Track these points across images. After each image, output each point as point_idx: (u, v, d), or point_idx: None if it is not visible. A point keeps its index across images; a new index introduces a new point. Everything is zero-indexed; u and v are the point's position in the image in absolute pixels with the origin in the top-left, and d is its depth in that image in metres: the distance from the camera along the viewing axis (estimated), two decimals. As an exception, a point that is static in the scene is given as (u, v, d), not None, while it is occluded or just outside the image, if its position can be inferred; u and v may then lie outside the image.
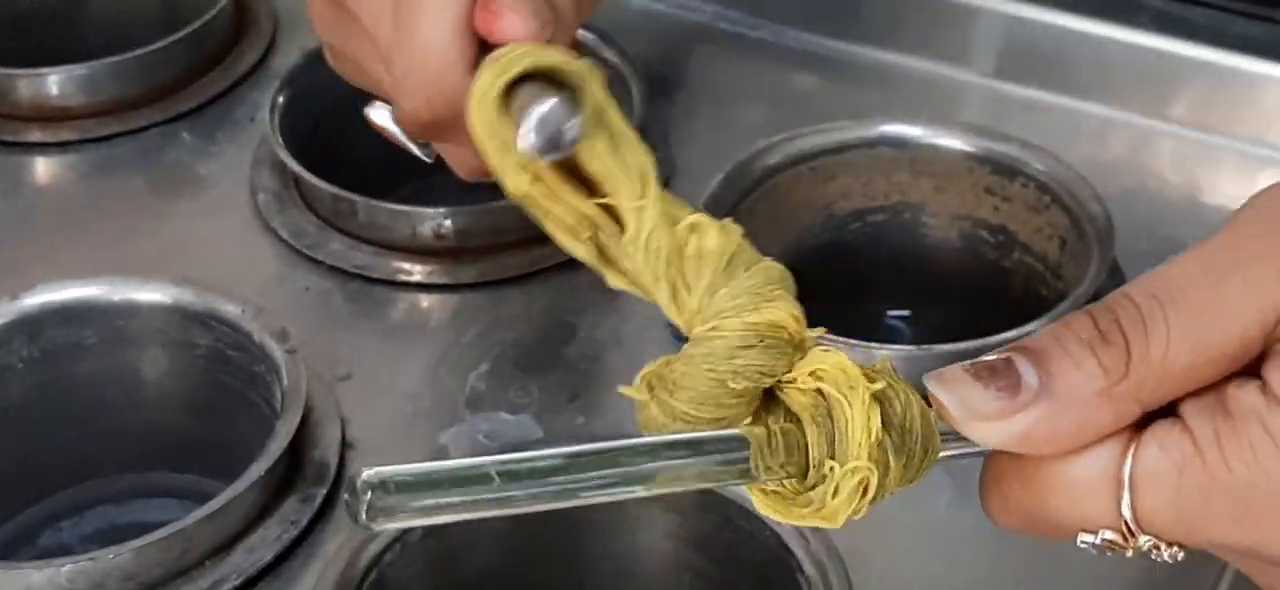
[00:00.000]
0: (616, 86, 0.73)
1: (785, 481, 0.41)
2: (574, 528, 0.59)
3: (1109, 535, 0.41)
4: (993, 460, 0.42)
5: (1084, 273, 0.65)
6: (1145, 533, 0.41)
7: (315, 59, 0.74)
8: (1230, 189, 0.73)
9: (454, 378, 0.65)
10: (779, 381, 0.41)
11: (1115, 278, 0.65)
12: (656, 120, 0.74)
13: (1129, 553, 0.41)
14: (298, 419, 0.60)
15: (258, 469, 0.58)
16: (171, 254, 0.70)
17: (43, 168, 0.76)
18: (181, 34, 0.77)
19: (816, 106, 0.75)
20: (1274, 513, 0.40)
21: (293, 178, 0.72)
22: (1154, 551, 0.41)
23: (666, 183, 0.72)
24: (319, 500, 0.60)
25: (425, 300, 0.68)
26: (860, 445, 0.40)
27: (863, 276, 0.71)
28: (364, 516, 0.36)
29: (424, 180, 0.77)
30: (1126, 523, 0.41)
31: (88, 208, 0.73)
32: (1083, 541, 0.42)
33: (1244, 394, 0.40)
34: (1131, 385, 0.40)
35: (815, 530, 0.56)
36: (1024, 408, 0.40)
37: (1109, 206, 0.66)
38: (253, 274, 0.69)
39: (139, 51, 0.76)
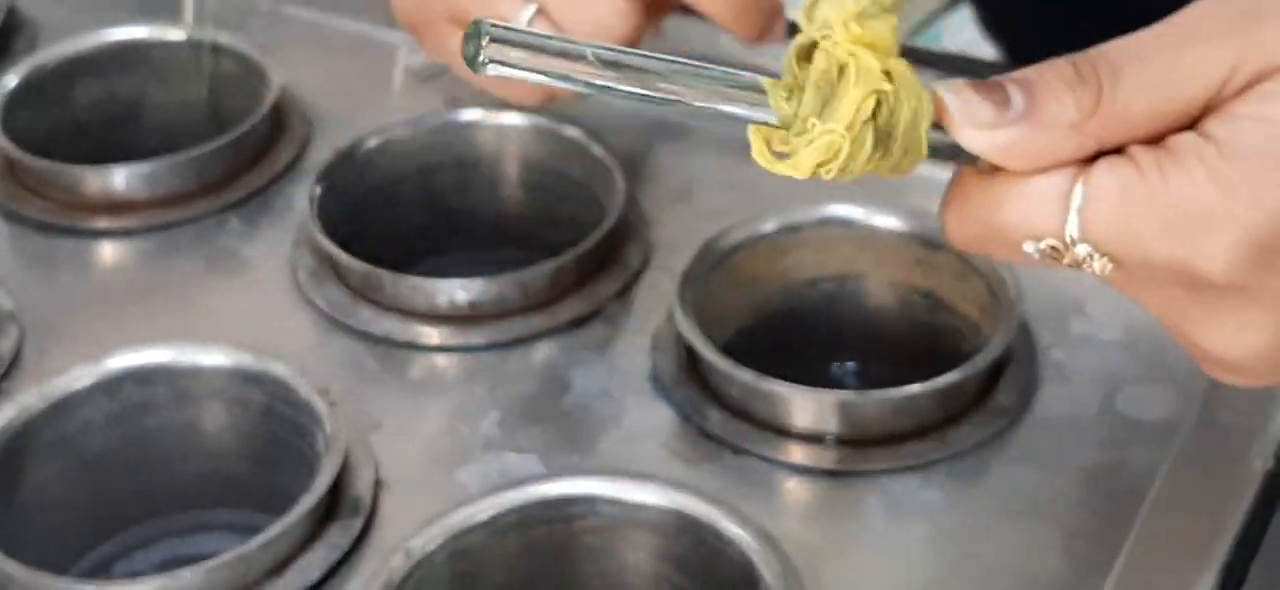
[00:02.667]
0: (604, 179, 0.85)
1: (775, 129, 0.49)
2: (572, 553, 0.71)
3: (1052, 242, 0.49)
4: (959, 179, 0.50)
5: (1001, 328, 0.76)
6: (1085, 241, 0.49)
7: (345, 157, 0.87)
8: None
9: (468, 426, 0.76)
10: (824, 36, 0.48)
11: (1025, 334, 0.77)
12: (637, 207, 0.85)
13: (1065, 261, 0.50)
14: (339, 462, 0.71)
15: (306, 503, 0.70)
16: (226, 323, 0.81)
17: (110, 251, 0.87)
18: (229, 137, 0.88)
19: (772, 190, 0.87)
20: (1199, 229, 0.48)
21: (328, 257, 0.83)
22: (1087, 263, 0.49)
23: (646, 261, 0.84)
24: (357, 529, 0.71)
25: (442, 360, 0.80)
26: (841, 118, 0.48)
27: (815, 336, 0.82)
28: (481, 57, 0.44)
29: (439, 258, 0.89)
30: (1070, 234, 0.49)
31: (152, 284, 0.84)
32: (1027, 248, 0.50)
33: (1183, 136, 0.49)
34: (1096, 123, 0.49)
35: (774, 547, 0.67)
36: (1010, 124, 0.49)
37: (1017, 274, 0.78)
38: (295, 339, 0.80)
39: (193, 152, 0.87)
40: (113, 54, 0.95)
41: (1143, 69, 0.49)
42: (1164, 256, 0.49)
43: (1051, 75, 0.50)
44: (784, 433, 0.74)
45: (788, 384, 0.74)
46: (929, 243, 0.80)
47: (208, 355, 0.76)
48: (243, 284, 0.84)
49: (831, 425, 0.74)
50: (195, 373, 0.76)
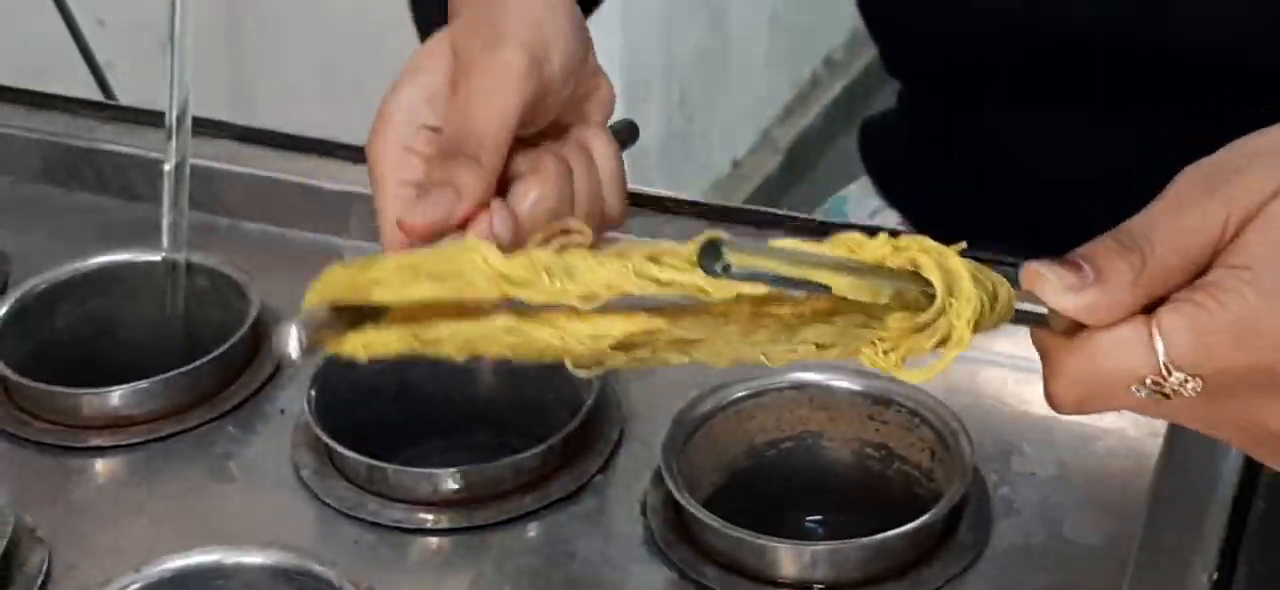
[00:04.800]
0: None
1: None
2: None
3: (1153, 377, 0.60)
4: (1052, 356, 0.60)
5: (952, 476, 0.85)
6: (1177, 371, 0.59)
7: (334, 362, 0.94)
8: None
9: (484, 600, 0.83)
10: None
11: (976, 475, 0.86)
12: (608, 386, 0.93)
13: (1166, 392, 0.60)
14: (385, 647, 0.78)
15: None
16: (239, 524, 0.88)
17: (114, 466, 0.93)
18: (217, 352, 0.94)
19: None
20: (1264, 335, 0.59)
21: (328, 453, 0.90)
22: (1182, 387, 0.59)
23: (622, 435, 0.92)
24: (400, 700, 0.78)
25: (449, 542, 0.87)
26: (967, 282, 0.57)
27: (780, 492, 0.91)
28: (718, 268, 0.52)
29: (415, 448, 0.96)
30: (1163, 364, 0.59)
31: (159, 494, 0.90)
32: (1134, 391, 0.60)
33: (1219, 273, 0.59)
34: (1146, 278, 0.59)
35: None
36: (1089, 287, 0.59)
37: (964, 421, 0.87)
38: (308, 533, 0.87)
39: (188, 368, 0.94)
40: (91, 278, 1.01)
41: (1165, 234, 0.61)
42: (1240, 364, 0.60)
43: (1104, 248, 0.61)
44: (774, 583, 0.82)
45: (775, 538, 0.82)
46: (878, 399, 0.89)
47: (242, 555, 0.82)
48: (248, 486, 0.91)
49: (818, 572, 0.82)
50: (232, 572, 0.82)
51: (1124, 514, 0.84)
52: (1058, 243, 0.92)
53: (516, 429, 0.95)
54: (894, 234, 0.59)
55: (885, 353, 0.59)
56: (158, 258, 1.01)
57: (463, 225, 0.73)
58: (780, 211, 1.05)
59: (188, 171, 1.00)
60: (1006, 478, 0.88)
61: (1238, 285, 0.60)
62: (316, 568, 0.81)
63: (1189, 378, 0.60)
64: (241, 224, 1.09)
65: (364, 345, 0.61)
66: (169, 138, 1.00)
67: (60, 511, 0.89)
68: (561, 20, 0.78)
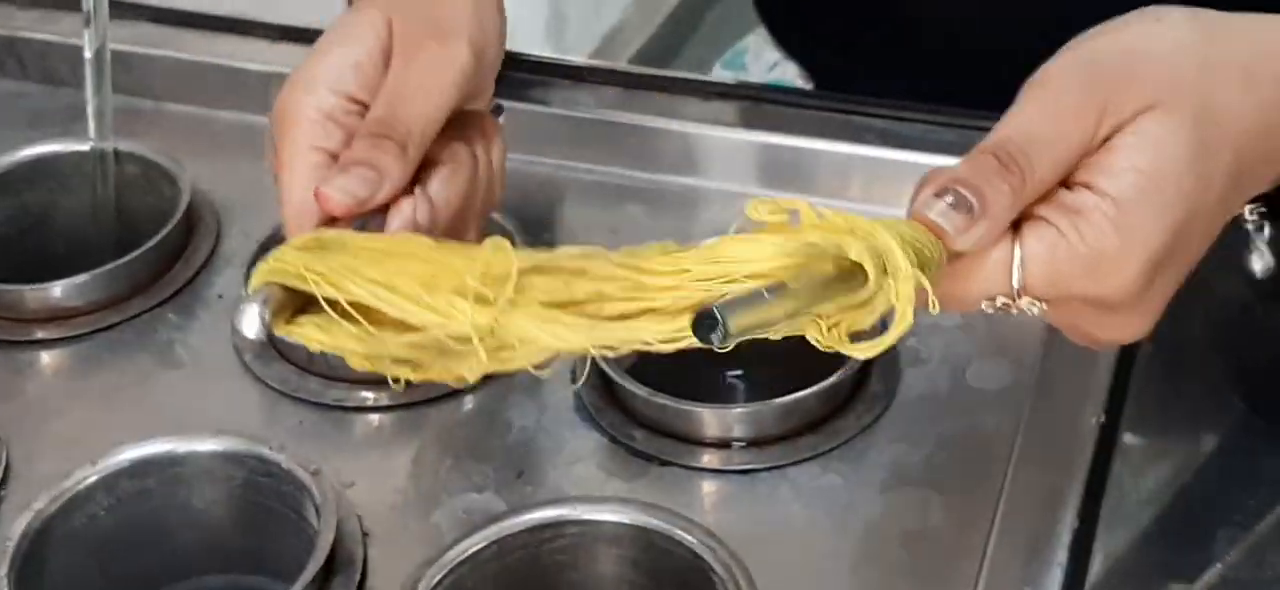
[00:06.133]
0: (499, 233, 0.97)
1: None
2: (544, 572, 0.83)
3: (1004, 299, 0.65)
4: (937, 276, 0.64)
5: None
6: (1026, 295, 0.64)
7: (267, 246, 0.97)
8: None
9: (428, 474, 0.88)
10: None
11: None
12: (533, 256, 0.98)
13: (1014, 310, 0.65)
14: (334, 524, 0.82)
15: (315, 563, 0.81)
16: (187, 409, 0.92)
17: (60, 358, 0.96)
18: (154, 241, 0.97)
19: (642, 229, 1.00)
20: (1110, 269, 0.64)
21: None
22: (1028, 309, 0.65)
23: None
24: (356, 579, 0.82)
25: (390, 419, 0.91)
26: (898, 257, 0.61)
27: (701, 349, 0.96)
28: (718, 339, 0.57)
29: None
30: (1017, 289, 0.64)
31: (110, 384, 0.94)
32: (986, 307, 0.65)
33: (1086, 197, 0.64)
34: (1024, 198, 0.64)
35: (717, 541, 0.81)
36: (977, 224, 0.63)
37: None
38: (253, 416, 0.91)
39: (126, 259, 0.97)
40: (21, 171, 1.04)
41: (1043, 148, 0.65)
42: (1082, 292, 0.65)
43: (985, 171, 0.64)
44: (699, 443, 0.87)
45: (698, 403, 0.87)
46: (792, 261, 0.94)
47: (189, 443, 0.87)
48: (192, 371, 0.95)
49: (737, 431, 0.87)
50: (182, 459, 0.86)
51: (1022, 362, 0.90)
52: (962, 93, 0.96)
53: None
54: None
55: (829, 329, 0.63)
56: (86, 147, 1.03)
57: (381, 210, 0.75)
58: (690, 76, 1.09)
59: (108, 58, 1.02)
60: (914, 329, 0.92)
61: (1101, 220, 0.64)
62: (266, 452, 0.85)
63: (1036, 301, 0.65)
64: (165, 106, 1.11)
65: (319, 334, 0.64)
66: (86, 24, 1.03)
67: (14, 406, 0.93)
68: (494, 11, 0.79)
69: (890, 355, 0.91)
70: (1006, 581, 0.77)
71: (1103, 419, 0.83)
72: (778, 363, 0.94)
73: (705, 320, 0.57)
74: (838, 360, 0.89)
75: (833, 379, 0.87)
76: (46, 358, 0.96)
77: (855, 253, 0.62)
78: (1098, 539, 0.77)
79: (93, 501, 0.85)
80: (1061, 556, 0.76)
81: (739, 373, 0.96)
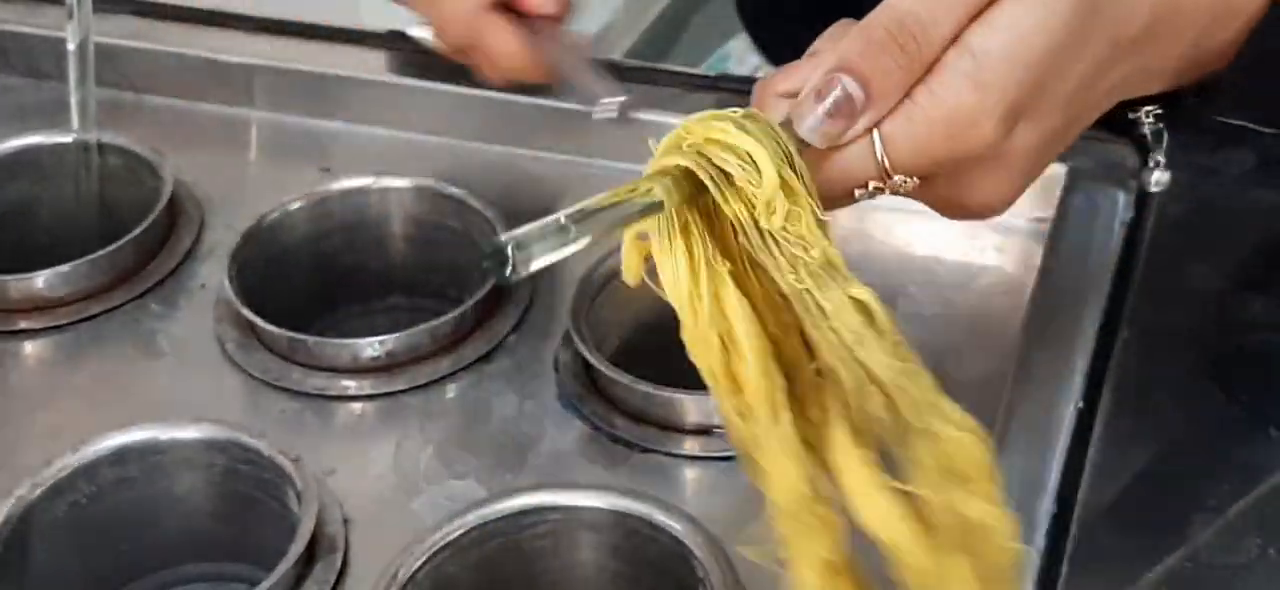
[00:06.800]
0: (482, 228, 0.97)
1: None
2: (525, 558, 0.83)
3: (875, 183, 0.64)
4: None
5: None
6: (898, 171, 0.63)
7: (251, 235, 0.98)
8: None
9: (410, 462, 0.88)
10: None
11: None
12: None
13: (887, 191, 0.64)
14: (315, 510, 0.83)
15: (296, 549, 0.81)
16: (170, 398, 0.92)
17: (42, 347, 0.96)
18: (137, 232, 0.98)
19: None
20: (966, 125, 0.63)
21: (250, 327, 0.94)
22: (903, 186, 0.64)
23: (532, 299, 0.96)
24: (338, 565, 0.83)
25: (372, 407, 0.92)
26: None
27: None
28: (509, 270, 0.55)
29: (332, 312, 1.01)
30: (884, 168, 0.63)
31: (92, 373, 0.94)
32: (859, 194, 0.64)
33: (947, 54, 0.62)
34: (915, 74, 0.62)
35: (698, 527, 0.81)
36: (860, 118, 0.62)
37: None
38: (235, 406, 0.92)
39: (109, 250, 0.97)
40: (5, 162, 1.04)
41: (933, 16, 0.63)
42: (945, 153, 0.64)
43: (875, 51, 0.63)
44: (680, 430, 0.88)
45: (678, 390, 0.88)
46: (773, 251, 0.94)
47: (170, 431, 0.87)
48: (175, 361, 0.95)
49: (719, 419, 0.87)
50: (163, 447, 0.87)
51: (1001, 350, 0.90)
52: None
53: (430, 292, 1.00)
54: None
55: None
56: (69, 139, 1.04)
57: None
58: (682, 69, 1.09)
59: (92, 50, 1.03)
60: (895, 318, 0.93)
61: (956, 78, 0.63)
62: (247, 439, 0.85)
63: (907, 177, 0.64)
64: (147, 99, 1.12)
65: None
66: (70, 17, 1.03)
67: (-5, 396, 0.93)
68: None
69: (870, 344, 0.91)
70: (985, 566, 0.77)
71: (1081, 406, 0.83)
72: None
73: (496, 255, 0.57)
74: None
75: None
76: (29, 347, 0.96)
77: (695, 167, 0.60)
78: (1075, 523, 0.77)
79: (74, 489, 0.85)
80: (1040, 540, 0.77)
81: (720, 362, 0.96)
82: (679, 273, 0.61)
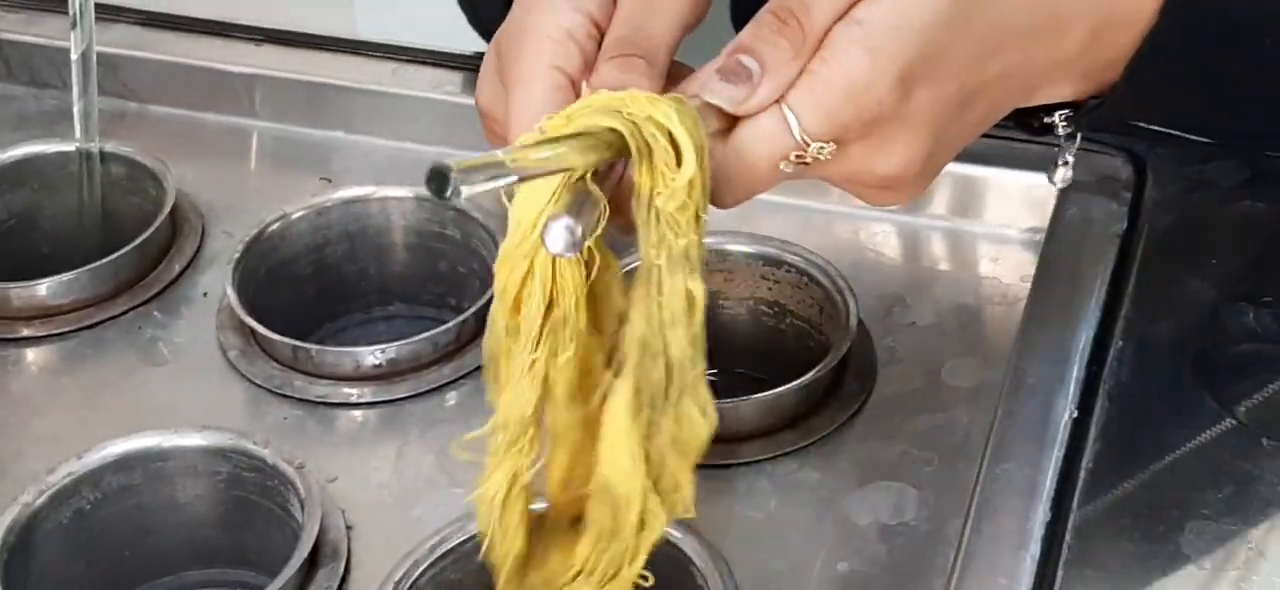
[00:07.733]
0: (482, 236, 0.98)
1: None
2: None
3: (795, 154, 0.66)
4: (714, 168, 0.65)
5: (840, 330, 0.92)
6: (815, 139, 0.66)
7: (253, 243, 0.98)
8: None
9: (411, 469, 0.89)
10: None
11: (861, 328, 0.93)
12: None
13: (809, 161, 0.66)
14: (319, 517, 0.83)
15: (299, 556, 0.82)
16: (172, 406, 0.93)
17: (45, 355, 0.97)
18: (139, 241, 0.98)
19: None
20: (863, 88, 0.66)
21: (252, 335, 0.95)
22: (821, 153, 0.66)
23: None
24: (341, 571, 0.83)
25: (375, 414, 0.93)
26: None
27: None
28: (449, 192, 0.58)
29: (333, 322, 1.01)
30: (801, 139, 0.66)
31: (95, 381, 0.95)
32: (782, 168, 0.67)
33: (837, 27, 0.65)
34: (805, 51, 0.65)
35: (696, 535, 0.82)
36: (756, 90, 0.65)
37: (848, 278, 0.93)
38: (238, 413, 0.93)
39: (112, 258, 0.98)
40: (8, 171, 1.05)
41: (809, 6, 0.66)
42: (852, 117, 0.67)
43: (764, 32, 0.66)
44: (678, 438, 0.89)
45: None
46: (771, 261, 0.96)
47: (174, 438, 0.88)
48: (177, 369, 0.96)
49: (720, 427, 0.88)
50: (167, 454, 0.87)
51: (996, 359, 0.91)
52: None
53: (431, 300, 1.01)
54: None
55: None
56: (72, 147, 1.04)
57: None
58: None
59: (94, 59, 1.04)
60: (890, 329, 0.95)
61: (847, 45, 0.66)
62: (250, 446, 0.86)
63: (824, 144, 0.67)
64: (149, 108, 1.12)
65: None
66: (73, 26, 1.04)
67: (-1, 403, 0.94)
68: None
69: (867, 355, 0.93)
70: (981, 573, 0.78)
71: (1074, 414, 0.84)
72: (747, 363, 0.96)
73: (438, 176, 0.59)
74: (815, 358, 0.90)
75: (809, 376, 0.89)
76: (32, 355, 0.97)
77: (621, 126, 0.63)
78: (1069, 532, 0.78)
79: (78, 496, 0.86)
80: (1034, 549, 0.78)
81: (714, 372, 0.97)
82: (536, 199, 0.64)
